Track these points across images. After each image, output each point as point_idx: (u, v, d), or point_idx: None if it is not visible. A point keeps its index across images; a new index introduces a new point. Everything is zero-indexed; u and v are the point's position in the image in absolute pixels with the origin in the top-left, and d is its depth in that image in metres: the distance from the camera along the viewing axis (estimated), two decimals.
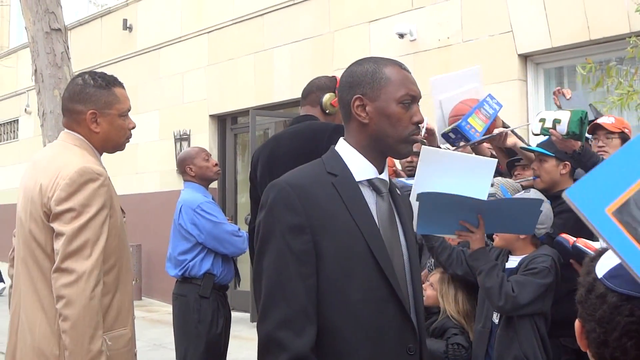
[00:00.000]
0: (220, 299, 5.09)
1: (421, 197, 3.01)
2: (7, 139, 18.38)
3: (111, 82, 3.01)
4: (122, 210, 3.00)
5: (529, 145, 4.01)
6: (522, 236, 3.47)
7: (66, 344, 2.59)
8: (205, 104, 11.63)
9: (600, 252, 1.43)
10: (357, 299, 2.04)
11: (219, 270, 5.03)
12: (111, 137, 2.99)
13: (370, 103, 2.16)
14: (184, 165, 5.19)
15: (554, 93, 4.51)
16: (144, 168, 12.38)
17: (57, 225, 2.67)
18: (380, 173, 2.22)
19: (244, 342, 8.52)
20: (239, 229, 5.11)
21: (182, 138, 11.86)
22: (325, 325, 2.03)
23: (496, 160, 3.22)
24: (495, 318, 3.42)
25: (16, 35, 18.00)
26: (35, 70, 5.46)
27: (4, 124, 18.53)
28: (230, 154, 11.65)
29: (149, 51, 12.81)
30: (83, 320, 2.58)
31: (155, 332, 9.40)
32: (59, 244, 2.64)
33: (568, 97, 4.06)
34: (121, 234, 2.88)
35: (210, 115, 11.57)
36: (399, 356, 2.10)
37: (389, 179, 2.28)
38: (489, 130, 3.95)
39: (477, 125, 3.85)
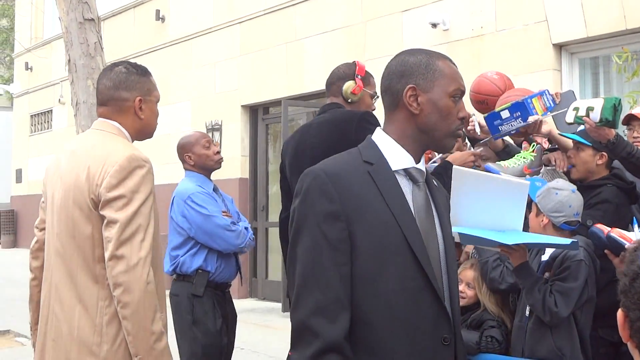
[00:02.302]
0: (217, 298, 4.64)
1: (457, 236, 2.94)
2: (42, 129, 18.61)
3: (146, 71, 3.08)
4: None
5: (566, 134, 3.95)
6: (542, 224, 3.41)
7: (128, 329, 2.64)
8: (237, 94, 11.66)
9: None
10: (392, 289, 2.03)
11: (213, 267, 4.60)
12: (151, 123, 3.06)
13: (423, 94, 2.15)
14: (182, 154, 4.80)
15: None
16: (176, 158, 12.44)
17: (108, 212, 2.70)
18: (417, 163, 2.20)
19: (274, 332, 8.55)
20: (233, 223, 4.65)
21: (214, 128, 11.90)
22: (358, 315, 2.02)
23: (529, 182, 3.11)
24: (527, 311, 3.39)
25: (50, 27, 18.18)
26: (69, 61, 5.50)
27: (38, 114, 18.76)
28: (262, 144, 11.66)
29: (181, 42, 12.87)
30: (143, 305, 2.63)
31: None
32: (111, 232, 2.67)
33: (558, 100, 4.02)
34: (158, 221, 2.92)
35: (242, 106, 11.59)
36: (434, 347, 2.08)
37: (426, 169, 2.27)
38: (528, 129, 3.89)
39: (538, 108, 3.79)
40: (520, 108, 3.77)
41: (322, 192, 2.03)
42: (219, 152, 4.79)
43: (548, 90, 3.91)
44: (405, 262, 2.04)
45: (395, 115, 2.20)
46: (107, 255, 2.66)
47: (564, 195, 3.43)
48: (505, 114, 3.80)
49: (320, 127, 3.77)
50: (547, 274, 3.34)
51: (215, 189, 4.77)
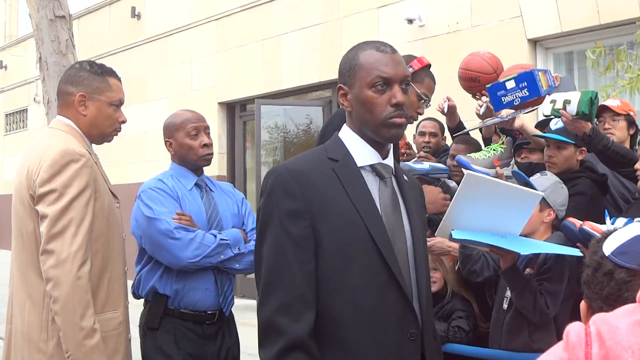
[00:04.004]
0: (183, 334, 3.38)
1: (454, 239, 2.94)
2: (17, 128, 18.44)
3: (107, 72, 3.06)
4: (114, 195, 3.02)
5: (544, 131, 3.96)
6: (546, 220, 3.41)
7: (59, 325, 2.63)
8: (214, 92, 11.61)
9: (608, 233, 1.42)
10: (357, 285, 2.03)
11: (170, 289, 3.37)
12: (97, 124, 3.01)
13: (350, 91, 2.17)
14: (164, 138, 3.64)
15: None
16: (154, 156, 12.36)
17: (41, 208, 2.70)
18: (383, 158, 2.20)
19: (252, 329, 8.51)
20: (181, 229, 3.33)
21: None
22: (324, 311, 2.03)
23: (542, 194, 3.10)
24: (505, 304, 3.40)
25: (24, 24, 18.01)
26: (40, 58, 5.45)
27: (13, 113, 18.58)
28: (239, 141, 11.62)
29: (157, 39, 12.79)
30: (72, 300, 2.61)
31: None
32: (43, 226, 2.67)
33: (557, 83, 4.02)
34: (110, 217, 2.90)
35: (219, 103, 11.54)
36: (400, 341, 2.09)
37: (395, 164, 2.27)
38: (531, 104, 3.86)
39: (543, 82, 3.77)
40: (528, 79, 3.75)
41: (285, 190, 2.03)
42: (207, 146, 3.59)
43: (550, 71, 3.93)
44: (370, 258, 2.05)
45: (348, 118, 2.23)
46: (40, 250, 2.66)
47: (565, 189, 3.47)
48: (510, 84, 3.78)
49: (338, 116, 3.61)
50: (528, 270, 3.34)
51: (201, 187, 3.62)
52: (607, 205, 3.80)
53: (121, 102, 3.07)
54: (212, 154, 3.62)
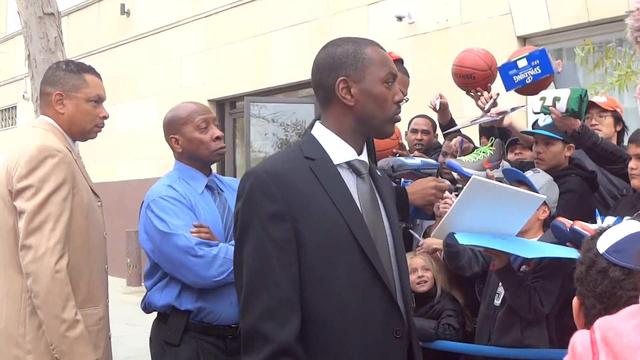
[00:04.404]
0: (206, 349, 3.07)
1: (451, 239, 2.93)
2: (6, 126, 18.35)
3: (83, 69, 3.06)
4: (95, 193, 3.04)
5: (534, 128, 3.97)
6: (541, 217, 3.41)
7: (41, 318, 2.65)
8: (204, 89, 11.58)
9: (602, 231, 1.42)
10: (341, 286, 2.00)
11: (191, 305, 3.04)
12: (76, 121, 3.02)
13: (355, 85, 2.11)
14: (167, 135, 3.22)
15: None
16: (143, 154, 12.34)
17: (19, 203, 2.72)
18: (359, 154, 2.18)
19: None
20: (202, 245, 2.97)
21: None
22: (310, 314, 1.99)
23: (544, 197, 3.09)
24: (497, 300, 3.41)
25: (13, 21, 17.92)
26: (29, 56, 5.42)
27: (2, 110, 18.49)
28: (229, 138, 11.61)
29: (146, 36, 12.76)
30: (52, 294, 2.63)
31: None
32: (22, 222, 2.69)
33: (559, 69, 4.03)
34: (89, 214, 2.91)
35: (208, 100, 11.52)
36: (386, 340, 2.06)
37: (369, 160, 2.24)
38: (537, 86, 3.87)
39: (552, 62, 3.79)
40: (541, 56, 3.77)
41: (264, 192, 1.99)
42: (219, 139, 3.20)
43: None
44: (353, 257, 2.02)
45: (332, 109, 2.16)
46: (19, 245, 2.69)
47: (556, 185, 3.51)
48: (522, 63, 3.80)
49: None
50: (524, 267, 3.34)
51: (212, 188, 3.26)
52: (595, 202, 3.82)
53: (100, 98, 3.07)
54: (225, 147, 3.26)
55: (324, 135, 2.16)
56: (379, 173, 2.28)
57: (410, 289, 2.24)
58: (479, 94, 4.07)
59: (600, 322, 1.13)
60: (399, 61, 3.38)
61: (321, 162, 2.10)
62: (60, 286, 2.65)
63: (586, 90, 3.57)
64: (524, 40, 7.61)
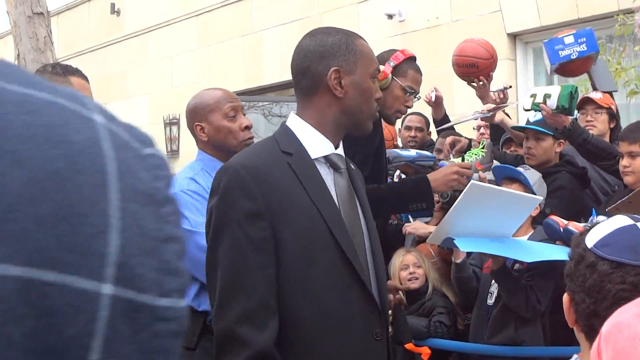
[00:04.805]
0: None
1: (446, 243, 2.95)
2: None
3: (69, 71, 3.02)
4: None
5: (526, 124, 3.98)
6: (532, 214, 3.42)
7: None
8: (195, 88, 11.53)
9: (590, 227, 1.43)
10: (320, 287, 1.92)
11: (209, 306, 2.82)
12: None
13: (346, 76, 2.06)
14: (192, 122, 3.11)
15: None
16: None
17: None
18: (336, 148, 2.11)
19: None
20: None
21: (172, 122, 11.79)
22: (287, 316, 1.90)
23: (541, 198, 3.10)
24: (490, 300, 3.42)
25: (2, 21, 17.83)
26: (18, 55, 5.40)
27: None
28: None
29: (137, 35, 12.72)
30: None
31: None
32: None
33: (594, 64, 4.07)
34: None
35: None
36: (366, 342, 2.00)
37: (344, 157, 2.17)
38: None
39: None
40: (587, 35, 3.82)
41: (242, 189, 1.89)
42: (248, 128, 3.06)
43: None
44: (332, 257, 1.95)
45: (316, 100, 2.08)
46: None
47: (544, 182, 3.52)
48: (569, 39, 3.83)
49: None
50: (518, 265, 3.36)
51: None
52: (586, 198, 3.83)
53: None
54: (253, 137, 3.09)
55: (300, 127, 2.07)
56: (353, 167, 2.21)
57: (386, 288, 2.18)
58: (482, 83, 4.07)
59: (608, 320, 1.08)
60: (412, 59, 3.36)
61: (299, 157, 2.01)
62: None
63: (577, 87, 3.59)
64: (514, 37, 7.63)
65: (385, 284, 2.14)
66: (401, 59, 3.30)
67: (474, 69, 4.19)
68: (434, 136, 5.28)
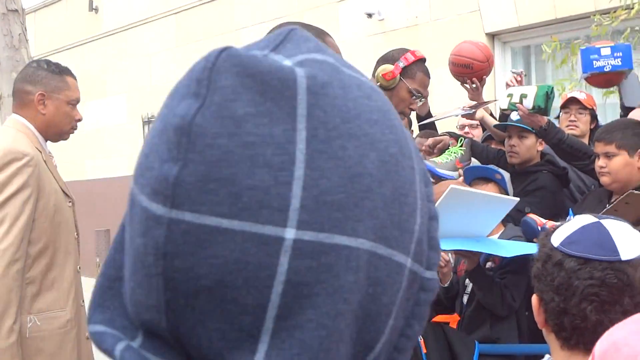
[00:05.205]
0: None
1: None
2: None
3: (64, 71, 3.07)
4: (66, 194, 3.02)
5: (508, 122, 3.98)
6: None
7: None
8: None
9: (555, 228, 1.45)
10: None
11: None
12: (56, 122, 3.03)
13: None
14: None
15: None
16: (112, 152, 12.24)
17: None
18: None
19: None
20: None
21: (151, 121, 11.74)
22: None
23: (517, 199, 3.07)
24: (464, 299, 3.43)
25: None
26: None
27: None
28: None
29: (115, 33, 12.65)
30: None
31: None
32: None
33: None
34: (56, 217, 2.89)
35: None
36: None
37: None
38: None
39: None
40: (624, 50, 3.78)
41: None
42: None
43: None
44: None
45: None
46: None
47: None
48: (605, 51, 3.79)
49: None
50: (490, 263, 3.36)
51: None
52: (565, 198, 3.85)
53: (78, 101, 3.10)
54: None
55: None
56: None
57: None
58: (474, 86, 4.07)
59: (602, 338, 1.05)
60: (422, 61, 3.33)
61: None
62: (3, 291, 2.61)
63: (552, 88, 3.61)
64: (492, 37, 7.66)
65: None
66: (411, 61, 3.27)
67: (469, 69, 4.18)
68: (417, 131, 5.27)
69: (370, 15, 8.54)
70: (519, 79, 4.14)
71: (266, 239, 0.46)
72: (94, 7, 12.98)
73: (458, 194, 2.86)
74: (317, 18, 9.24)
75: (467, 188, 3.19)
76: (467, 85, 4.10)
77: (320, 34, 2.09)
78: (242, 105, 0.48)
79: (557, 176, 3.79)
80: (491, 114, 4.32)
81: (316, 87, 0.49)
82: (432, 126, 4.42)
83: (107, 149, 12.37)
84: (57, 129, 3.04)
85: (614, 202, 2.89)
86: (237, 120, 0.47)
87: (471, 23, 7.69)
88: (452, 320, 3.42)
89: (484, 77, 4.14)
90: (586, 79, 4.02)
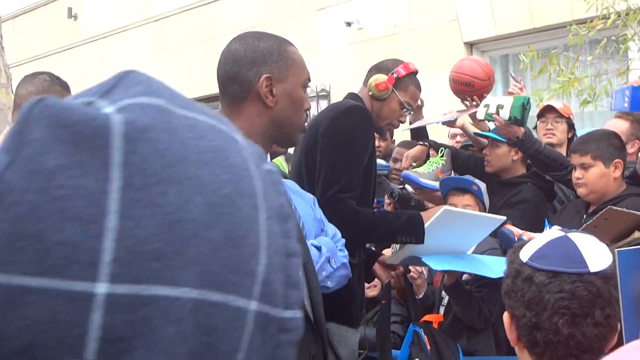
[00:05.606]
0: None
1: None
2: None
3: (66, 87, 3.15)
4: None
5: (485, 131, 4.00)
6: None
7: None
8: None
9: (522, 244, 1.46)
10: None
11: None
12: None
13: (278, 85, 1.93)
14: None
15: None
16: None
17: None
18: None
19: None
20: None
21: None
22: None
23: (504, 218, 3.09)
24: (442, 310, 3.43)
25: None
26: None
27: None
28: None
29: (95, 40, 12.59)
30: None
31: None
32: None
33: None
34: None
35: None
36: None
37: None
38: None
39: None
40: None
41: None
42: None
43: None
44: None
45: (245, 108, 1.94)
46: None
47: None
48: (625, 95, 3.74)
49: (311, 123, 3.15)
50: (466, 276, 3.37)
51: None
52: (548, 211, 3.86)
53: None
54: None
55: None
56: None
57: (322, 307, 2.05)
58: (474, 103, 4.06)
59: None
60: (415, 74, 3.33)
61: None
62: None
63: (529, 99, 3.62)
64: (470, 45, 7.70)
65: (321, 304, 2.00)
66: (405, 73, 3.27)
67: (469, 87, 4.17)
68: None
69: (349, 24, 8.55)
70: (519, 85, 4.16)
71: (76, 296, 0.44)
72: (73, 14, 12.91)
73: (450, 215, 2.89)
74: (296, 27, 9.25)
75: (459, 209, 3.22)
76: (467, 103, 4.09)
77: (281, 44, 2.01)
78: (53, 158, 0.46)
79: (542, 189, 3.80)
80: None
81: (135, 133, 0.47)
82: (423, 131, 4.39)
83: None
84: None
85: (594, 219, 2.91)
86: (47, 174, 0.45)
87: (450, 32, 7.73)
88: (436, 319, 3.43)
89: (485, 95, 4.14)
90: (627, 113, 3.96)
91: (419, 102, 4.20)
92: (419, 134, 4.34)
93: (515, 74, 4.41)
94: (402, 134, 4.00)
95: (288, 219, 0.56)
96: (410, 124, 4.80)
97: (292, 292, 0.54)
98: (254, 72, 1.93)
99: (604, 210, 2.89)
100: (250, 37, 2.01)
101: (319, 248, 2.64)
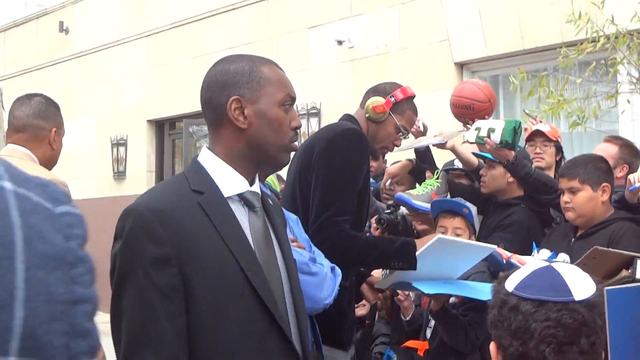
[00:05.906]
0: None
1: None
2: None
3: (59, 106, 3.26)
4: None
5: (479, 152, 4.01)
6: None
7: None
8: (143, 109, 11.47)
9: (508, 274, 1.48)
10: (234, 336, 1.77)
11: None
12: (57, 157, 3.20)
13: (250, 106, 1.91)
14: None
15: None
16: (80, 174, 12.13)
17: None
18: (251, 185, 1.95)
19: None
20: (313, 260, 2.62)
21: (119, 143, 11.67)
22: None
23: (494, 247, 3.11)
24: (428, 333, 3.43)
25: None
26: None
27: None
28: (168, 159, 11.51)
29: (85, 54, 12.58)
30: None
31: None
32: None
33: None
34: None
35: (148, 121, 11.40)
36: None
37: (261, 189, 2.04)
38: None
39: None
40: None
41: (148, 233, 1.73)
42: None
43: None
44: (248, 303, 1.80)
45: (222, 133, 1.93)
46: None
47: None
48: None
49: (306, 143, 3.18)
50: (453, 299, 3.37)
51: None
52: (539, 232, 3.86)
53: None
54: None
55: (212, 163, 1.92)
56: (271, 202, 2.08)
57: (307, 332, 2.05)
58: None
59: None
60: (412, 98, 3.34)
61: (210, 196, 1.85)
62: None
63: (520, 122, 3.64)
64: (461, 66, 7.74)
65: (305, 326, 1.99)
66: (402, 97, 3.28)
67: (470, 110, 4.18)
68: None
69: (340, 43, 8.58)
70: (535, 122, 4.17)
71: None
72: (64, 28, 12.91)
73: (443, 243, 2.92)
74: (287, 44, 9.28)
75: (452, 238, 3.25)
76: (470, 126, 4.08)
77: (254, 64, 1.98)
78: None
79: (536, 212, 3.80)
80: None
81: None
82: (428, 155, 4.34)
83: (76, 170, 12.26)
84: (55, 161, 3.19)
85: (582, 258, 2.92)
86: None
87: (440, 52, 7.77)
88: (421, 347, 3.43)
89: (486, 117, 4.14)
90: None
91: (422, 128, 4.21)
92: (425, 158, 4.34)
93: (528, 111, 4.40)
94: (394, 154, 3.99)
95: (77, 263, 0.52)
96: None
97: (79, 341, 0.51)
98: (225, 95, 1.92)
99: (590, 250, 2.89)
100: (224, 61, 2.01)
101: (332, 268, 2.67)
